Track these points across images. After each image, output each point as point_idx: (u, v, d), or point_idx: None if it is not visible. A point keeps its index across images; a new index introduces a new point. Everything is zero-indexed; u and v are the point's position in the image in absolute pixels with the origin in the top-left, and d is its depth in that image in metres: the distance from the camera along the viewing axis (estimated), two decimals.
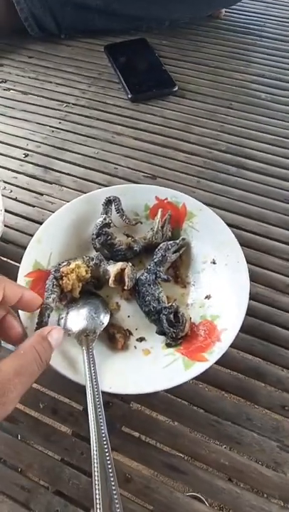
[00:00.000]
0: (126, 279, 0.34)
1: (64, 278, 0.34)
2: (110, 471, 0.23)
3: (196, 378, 0.31)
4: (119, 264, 0.35)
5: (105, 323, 0.33)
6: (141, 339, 0.35)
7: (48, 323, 0.32)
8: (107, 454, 0.24)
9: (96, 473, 0.23)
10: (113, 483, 0.23)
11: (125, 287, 0.34)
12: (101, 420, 0.26)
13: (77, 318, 0.34)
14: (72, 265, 0.35)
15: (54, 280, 0.34)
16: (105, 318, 0.34)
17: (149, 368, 0.31)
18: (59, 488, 0.30)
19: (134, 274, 0.35)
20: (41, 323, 0.31)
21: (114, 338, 0.34)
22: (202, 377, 0.31)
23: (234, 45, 0.69)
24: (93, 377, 0.28)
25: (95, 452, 0.24)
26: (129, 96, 0.58)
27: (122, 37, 0.70)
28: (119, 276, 0.35)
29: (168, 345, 0.33)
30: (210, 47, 0.69)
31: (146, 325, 0.35)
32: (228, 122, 0.56)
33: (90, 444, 0.30)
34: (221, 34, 0.71)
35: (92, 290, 0.37)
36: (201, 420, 0.32)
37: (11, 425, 0.32)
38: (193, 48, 0.68)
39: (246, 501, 0.29)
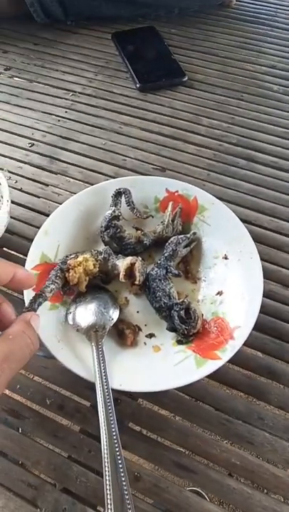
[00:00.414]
0: (137, 274, 0.33)
1: (70, 271, 0.33)
2: (121, 470, 0.23)
3: (207, 376, 0.30)
4: (129, 259, 0.34)
5: (115, 319, 0.33)
6: (150, 335, 0.34)
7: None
8: (118, 453, 0.24)
9: (107, 473, 0.23)
10: (124, 483, 0.22)
11: (136, 282, 0.33)
12: (111, 419, 0.25)
13: (86, 313, 0.33)
14: (80, 258, 0.34)
15: (59, 271, 0.33)
16: (115, 314, 0.33)
17: (160, 365, 0.31)
18: (66, 485, 0.29)
19: (144, 269, 0.35)
20: (29, 309, 0.29)
21: (124, 334, 0.33)
22: (212, 375, 0.30)
23: (245, 35, 0.67)
24: (103, 374, 0.28)
25: (105, 451, 0.24)
26: (138, 85, 0.57)
27: (130, 25, 0.68)
28: (129, 270, 0.34)
29: (179, 342, 0.32)
30: (220, 36, 0.67)
31: (155, 321, 0.35)
32: (238, 114, 0.55)
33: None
34: (232, 23, 0.69)
35: (101, 285, 0.36)
36: (211, 419, 0.31)
37: (17, 421, 0.32)
38: (202, 38, 0.66)
39: (257, 502, 0.28)
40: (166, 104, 0.56)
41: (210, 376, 0.30)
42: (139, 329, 0.34)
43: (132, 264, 0.34)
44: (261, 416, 0.31)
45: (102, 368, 0.28)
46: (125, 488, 0.22)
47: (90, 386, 0.32)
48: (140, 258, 0.35)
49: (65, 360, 0.29)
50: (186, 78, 0.58)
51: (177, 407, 0.32)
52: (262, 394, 0.32)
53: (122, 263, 0.34)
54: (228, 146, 0.51)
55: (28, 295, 0.33)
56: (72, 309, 0.33)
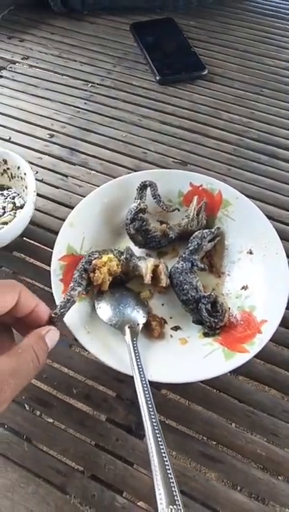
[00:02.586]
0: (162, 277, 0.34)
1: (96, 271, 0.33)
2: (168, 467, 0.23)
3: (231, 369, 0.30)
4: (152, 261, 0.34)
5: (146, 316, 0.33)
6: (176, 328, 0.34)
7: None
8: (162, 450, 0.24)
9: (157, 473, 0.23)
10: (172, 481, 0.22)
11: (162, 285, 0.34)
12: (152, 413, 0.25)
13: (119, 309, 0.33)
14: (105, 258, 0.33)
15: (83, 272, 0.33)
16: (145, 311, 0.33)
17: (189, 358, 0.31)
18: (95, 473, 0.30)
19: (167, 271, 0.35)
20: (60, 315, 0.29)
21: (150, 326, 0.33)
22: (237, 369, 0.31)
23: (264, 29, 0.67)
24: (140, 370, 0.28)
25: (152, 450, 0.24)
26: (158, 78, 0.56)
27: (148, 15, 0.67)
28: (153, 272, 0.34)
29: (205, 335, 0.33)
30: (239, 30, 0.66)
31: (181, 313, 0.35)
32: (258, 109, 0.55)
33: (125, 431, 0.31)
34: (251, 17, 0.69)
35: (124, 284, 0.36)
36: (236, 411, 0.32)
37: (45, 409, 0.32)
38: (221, 31, 0.66)
39: (282, 491, 0.29)
40: (186, 98, 0.56)
41: (235, 369, 0.31)
42: (165, 322, 0.35)
43: (156, 266, 0.34)
44: (286, 409, 0.32)
45: (139, 363, 0.28)
46: (173, 485, 0.22)
47: (116, 376, 0.33)
48: (163, 260, 0.35)
49: (97, 352, 0.30)
50: (206, 71, 0.57)
51: (202, 399, 0.32)
52: (286, 388, 0.33)
53: (146, 265, 0.34)
54: (248, 141, 0.51)
55: (56, 289, 0.33)
56: (102, 304, 0.33)
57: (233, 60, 0.61)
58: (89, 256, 0.34)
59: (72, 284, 0.32)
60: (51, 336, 0.27)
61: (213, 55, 0.62)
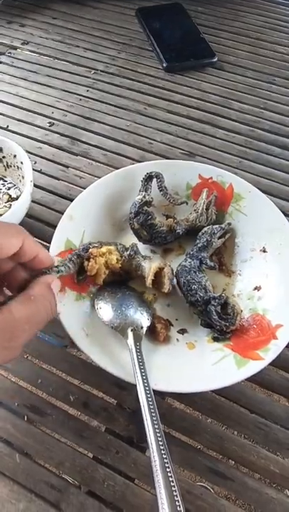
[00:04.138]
0: (166, 281, 0.31)
1: (91, 260, 0.30)
2: (172, 484, 0.20)
3: None
4: (158, 262, 0.31)
5: (150, 319, 0.30)
6: (183, 331, 0.31)
7: None
8: (167, 465, 0.21)
9: (160, 492, 0.20)
10: (177, 499, 0.20)
11: (164, 290, 0.31)
12: (156, 426, 0.23)
13: (121, 311, 0.30)
14: (104, 249, 0.31)
15: (75, 256, 0.30)
16: (150, 313, 0.31)
17: (197, 364, 0.28)
18: (92, 488, 0.27)
19: (172, 275, 0.32)
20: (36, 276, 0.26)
21: (155, 329, 0.31)
22: (249, 377, 0.28)
23: (276, 16, 0.64)
24: (144, 378, 0.25)
25: (156, 465, 0.21)
26: (164, 65, 0.53)
27: (154, 0, 0.64)
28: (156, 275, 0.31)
29: (215, 339, 0.30)
30: (250, 17, 0.63)
31: (187, 315, 0.32)
32: (271, 99, 0.52)
33: (126, 443, 0.28)
34: (262, 4, 0.66)
35: (126, 283, 0.33)
36: (247, 423, 0.29)
37: (39, 418, 0.29)
38: (232, 17, 0.63)
39: None
40: (195, 86, 0.53)
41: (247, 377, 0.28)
42: (171, 324, 0.32)
43: (160, 269, 0.31)
44: None
45: (142, 371, 0.26)
46: (178, 504, 0.20)
47: (117, 383, 0.30)
48: (169, 263, 0.32)
49: (97, 358, 0.27)
50: (215, 59, 0.54)
51: (210, 409, 0.30)
52: None
53: (150, 266, 0.31)
54: (260, 132, 0.48)
55: (54, 287, 0.30)
56: (102, 305, 0.31)
57: (245, 47, 0.58)
58: (89, 243, 0.32)
59: (56, 265, 0.28)
60: (55, 286, 0.27)
61: (223, 42, 0.58)
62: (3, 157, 0.38)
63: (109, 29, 0.60)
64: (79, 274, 0.31)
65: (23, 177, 0.37)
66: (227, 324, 0.29)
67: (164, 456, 0.22)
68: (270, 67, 0.55)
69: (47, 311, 0.25)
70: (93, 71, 0.54)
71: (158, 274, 0.32)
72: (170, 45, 0.55)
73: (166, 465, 0.22)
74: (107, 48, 0.57)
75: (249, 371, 0.27)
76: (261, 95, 0.52)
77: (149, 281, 0.31)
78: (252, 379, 0.30)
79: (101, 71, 0.54)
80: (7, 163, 0.38)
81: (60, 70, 0.54)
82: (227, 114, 0.50)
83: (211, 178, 0.37)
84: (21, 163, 0.36)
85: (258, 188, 0.37)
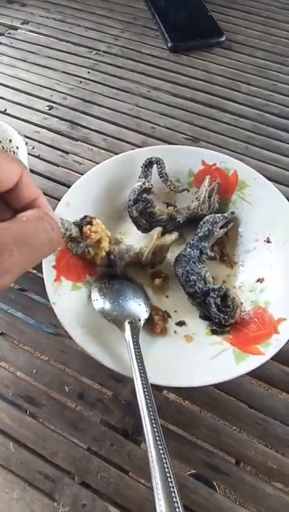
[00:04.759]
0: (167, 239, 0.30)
1: (90, 226, 0.28)
2: (170, 480, 0.20)
3: None
4: (157, 230, 0.31)
5: (149, 311, 0.29)
6: (181, 323, 0.31)
7: None
8: (164, 459, 0.21)
9: (157, 486, 0.20)
10: (174, 495, 0.19)
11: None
12: (154, 420, 0.22)
13: (117, 302, 0.29)
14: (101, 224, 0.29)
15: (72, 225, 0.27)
16: (148, 305, 0.30)
17: (195, 358, 0.27)
18: (86, 479, 0.27)
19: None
20: None
21: (152, 320, 0.30)
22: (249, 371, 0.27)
23: None
24: (141, 373, 0.24)
25: (153, 459, 0.21)
26: (169, 45, 0.51)
27: None
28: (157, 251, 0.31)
29: (213, 332, 0.29)
30: None
31: (186, 307, 0.31)
32: (281, 81, 0.49)
33: (121, 435, 0.28)
34: None
35: (127, 276, 0.32)
36: (245, 418, 0.29)
37: (34, 408, 0.29)
38: None
39: None
40: (201, 67, 0.50)
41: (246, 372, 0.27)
42: (169, 316, 0.31)
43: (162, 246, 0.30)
44: None
45: (140, 365, 0.25)
46: (176, 500, 0.19)
47: (113, 375, 0.30)
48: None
49: (93, 350, 0.26)
50: (223, 38, 0.52)
51: (208, 402, 0.29)
52: None
53: (151, 235, 0.30)
54: (269, 116, 0.46)
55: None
56: (98, 296, 0.30)
57: (254, 26, 0.55)
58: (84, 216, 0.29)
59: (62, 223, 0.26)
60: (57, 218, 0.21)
61: (231, 21, 0.56)
62: None
63: (113, 7, 0.58)
64: (78, 242, 0.29)
65: None
66: (226, 317, 0.28)
67: (161, 450, 0.22)
68: (280, 48, 0.53)
69: (47, 232, 0.19)
70: (95, 52, 0.52)
71: (157, 250, 0.31)
72: (176, 24, 0.53)
73: (164, 459, 0.21)
74: (110, 27, 0.55)
75: (248, 366, 0.26)
76: (271, 77, 0.49)
77: (151, 245, 0.30)
78: (252, 373, 0.29)
79: (103, 52, 0.52)
80: (2, 147, 0.37)
81: (61, 50, 0.52)
82: (235, 97, 0.48)
83: (215, 164, 0.36)
84: (17, 147, 0.35)
85: (265, 176, 0.35)
